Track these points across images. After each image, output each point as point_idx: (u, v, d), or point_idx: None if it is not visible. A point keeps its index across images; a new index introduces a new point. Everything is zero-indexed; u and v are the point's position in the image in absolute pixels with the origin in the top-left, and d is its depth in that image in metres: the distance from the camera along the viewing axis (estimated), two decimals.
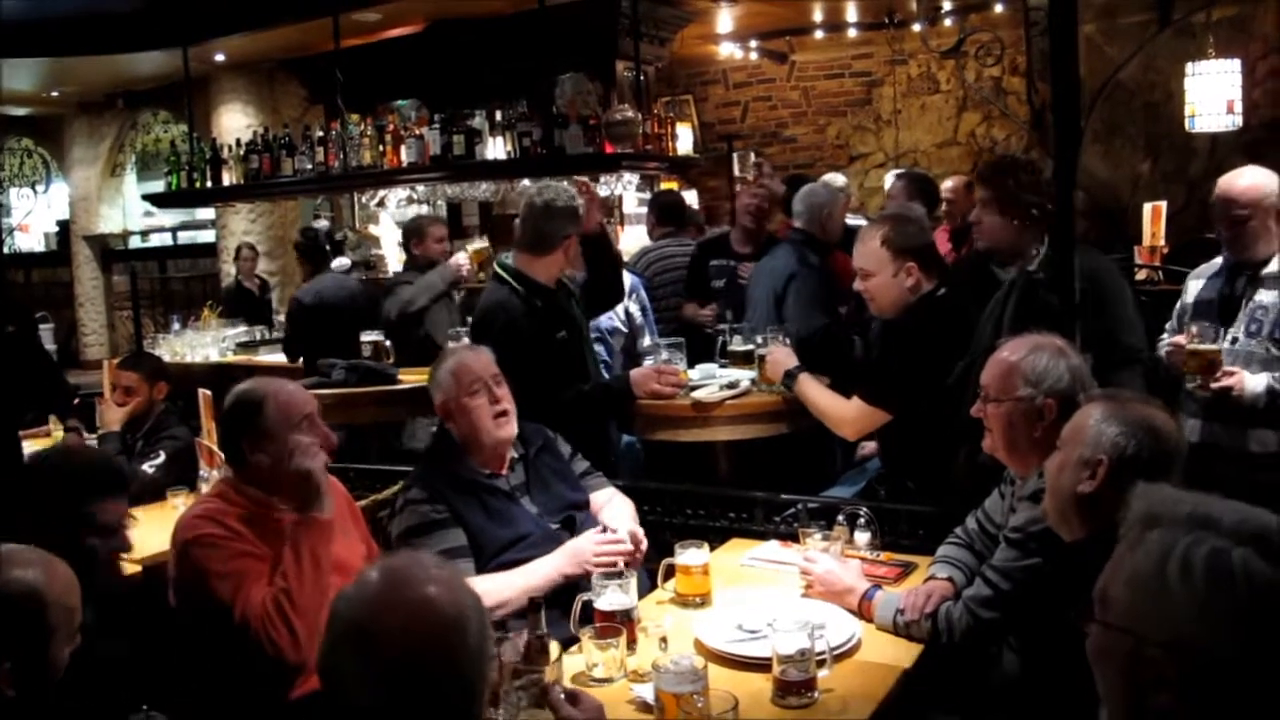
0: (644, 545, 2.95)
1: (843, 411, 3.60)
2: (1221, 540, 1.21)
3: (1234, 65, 6.29)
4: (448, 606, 1.53)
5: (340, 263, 5.81)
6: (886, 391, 3.49)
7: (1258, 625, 1.17)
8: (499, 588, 2.74)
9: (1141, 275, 6.06)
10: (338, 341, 5.47)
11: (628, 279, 4.95)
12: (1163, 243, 6.23)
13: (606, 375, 4.46)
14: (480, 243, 5.41)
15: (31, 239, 13.96)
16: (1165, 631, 1.21)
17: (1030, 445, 2.51)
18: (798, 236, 5.04)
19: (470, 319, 5.15)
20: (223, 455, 3.06)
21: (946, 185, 7.01)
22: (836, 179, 6.22)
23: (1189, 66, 6.37)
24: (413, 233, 5.97)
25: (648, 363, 4.13)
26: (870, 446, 4.05)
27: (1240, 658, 1.17)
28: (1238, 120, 6.30)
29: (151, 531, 3.57)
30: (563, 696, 1.81)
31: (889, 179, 6.79)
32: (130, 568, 3.43)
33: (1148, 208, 6.39)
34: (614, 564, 2.72)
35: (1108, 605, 1.30)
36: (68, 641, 1.86)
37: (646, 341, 4.87)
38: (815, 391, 3.71)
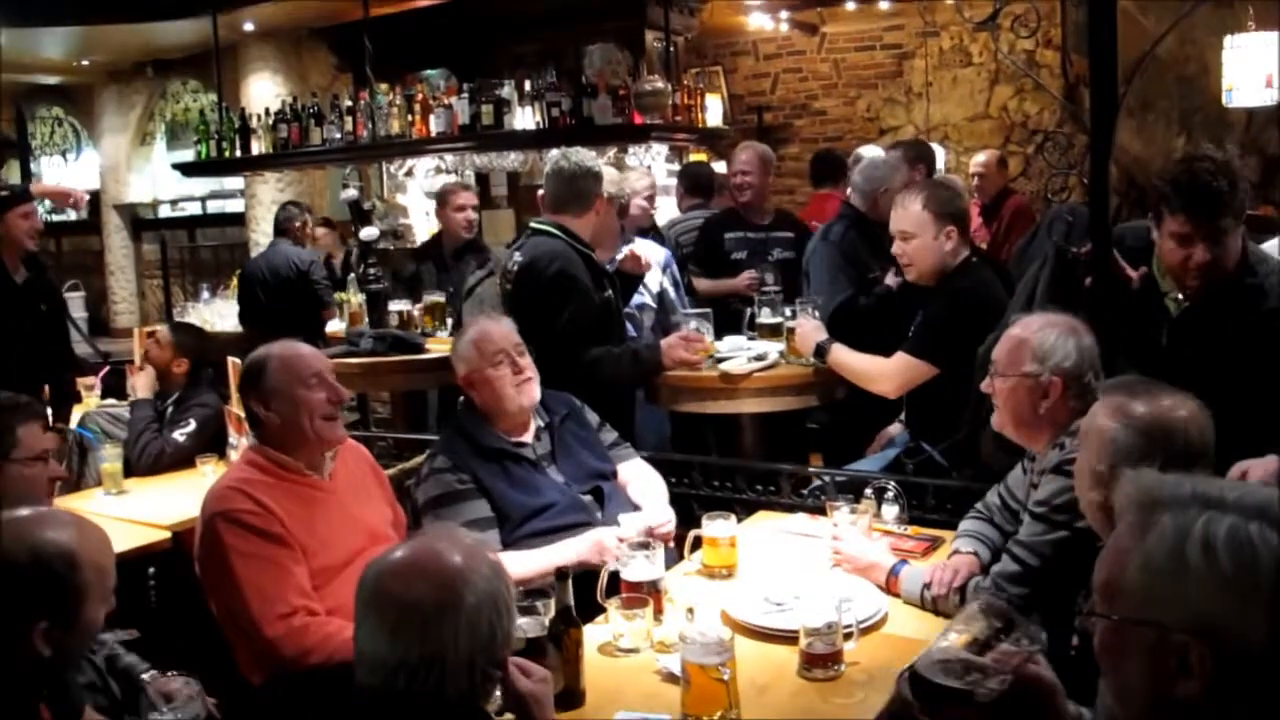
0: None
1: (883, 367, 3.60)
2: (1234, 516, 1.19)
3: (1273, 38, 6.16)
4: (449, 570, 1.69)
5: (368, 232, 5.82)
6: (932, 344, 3.49)
7: None
8: (518, 565, 2.74)
9: None
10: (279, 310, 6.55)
11: (660, 253, 4.93)
12: None
13: None
14: (436, 296, 5.43)
15: None
16: (1189, 615, 1.18)
17: (1036, 421, 2.53)
18: (846, 211, 4.83)
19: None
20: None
21: (978, 160, 6.95)
22: (869, 150, 6.14)
23: (1227, 40, 6.26)
24: (437, 198, 6.05)
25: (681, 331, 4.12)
26: (892, 430, 4.01)
27: (1270, 634, 1.15)
28: (1275, 95, 6.20)
29: (181, 498, 3.62)
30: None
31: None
32: (159, 534, 3.47)
33: None
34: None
35: (1117, 597, 1.25)
36: (102, 602, 1.87)
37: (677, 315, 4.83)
38: (850, 356, 3.70)
